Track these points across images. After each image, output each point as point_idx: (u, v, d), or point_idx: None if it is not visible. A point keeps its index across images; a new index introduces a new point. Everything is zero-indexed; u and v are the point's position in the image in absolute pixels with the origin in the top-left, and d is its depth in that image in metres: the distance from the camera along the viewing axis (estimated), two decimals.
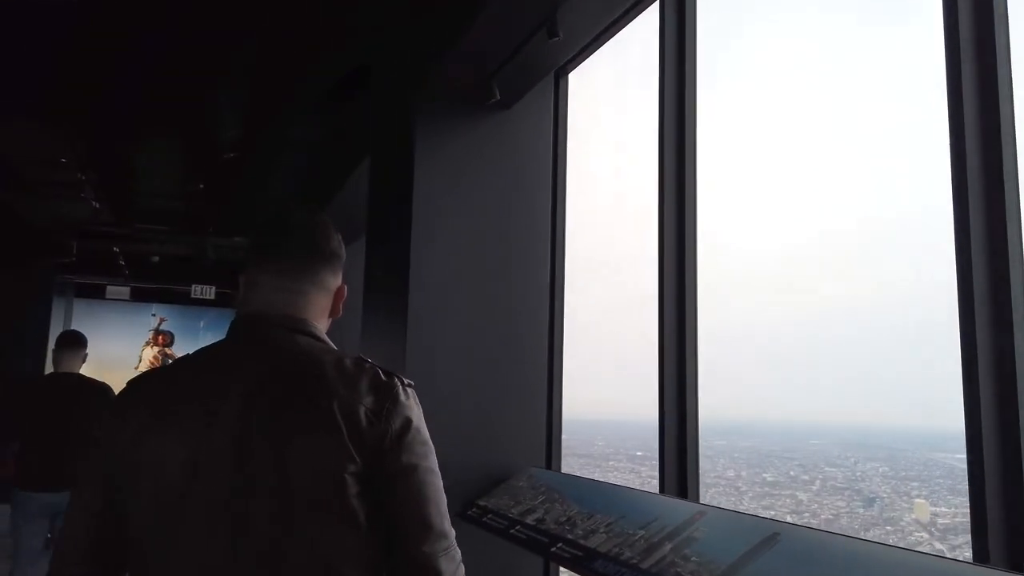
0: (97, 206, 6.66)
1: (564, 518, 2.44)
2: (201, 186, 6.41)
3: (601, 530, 2.19)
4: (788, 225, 2.94)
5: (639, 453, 3.51)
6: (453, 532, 1.04)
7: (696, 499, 2.49)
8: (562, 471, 3.38)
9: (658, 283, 2.71)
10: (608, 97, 4.02)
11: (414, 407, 1.05)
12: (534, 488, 2.94)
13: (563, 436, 3.54)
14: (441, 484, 1.05)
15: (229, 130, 4.52)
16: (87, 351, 3.93)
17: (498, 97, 3.28)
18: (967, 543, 2.43)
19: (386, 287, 3.93)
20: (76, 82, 4.33)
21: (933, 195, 2.24)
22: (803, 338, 2.91)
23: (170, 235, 8.46)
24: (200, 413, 0.99)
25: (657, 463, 3.04)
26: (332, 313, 1.17)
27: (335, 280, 1.17)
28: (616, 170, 3.98)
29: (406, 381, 1.07)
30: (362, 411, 0.99)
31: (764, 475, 3.07)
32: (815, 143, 2.84)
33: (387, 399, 1.02)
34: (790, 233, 2.94)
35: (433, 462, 1.05)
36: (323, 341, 1.11)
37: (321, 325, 1.14)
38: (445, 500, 1.05)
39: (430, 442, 1.06)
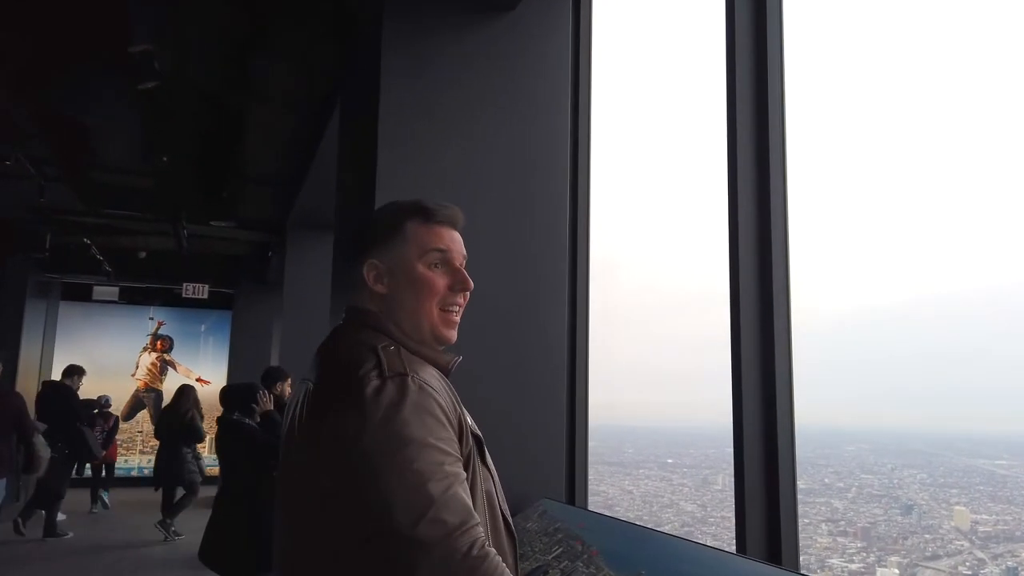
0: (43, 183, 6.32)
1: None
2: (165, 159, 6.04)
3: None
4: (840, 224, 2.76)
5: (670, 461, 3.58)
6: (428, 530, 0.94)
7: (795, 564, 1.87)
8: (589, 507, 2.87)
9: (729, 266, 2.17)
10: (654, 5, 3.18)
11: (374, 401, 1.01)
12: (548, 533, 2.28)
13: (590, 445, 3.48)
14: (413, 482, 0.97)
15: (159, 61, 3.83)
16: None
17: None
18: (1010, 551, 2.52)
19: (348, 273, 3.16)
20: None
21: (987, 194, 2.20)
22: (838, 341, 2.91)
23: (140, 221, 8.12)
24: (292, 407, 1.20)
25: (687, 471, 3.03)
26: (371, 289, 1.21)
27: (365, 255, 1.22)
28: (658, 114, 3.25)
29: (389, 373, 1.05)
30: (331, 415, 1.04)
31: (798, 483, 3.13)
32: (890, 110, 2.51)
33: (347, 396, 1.03)
34: (840, 232, 2.77)
35: (400, 459, 0.97)
36: (363, 328, 1.17)
37: (372, 305, 1.20)
38: (423, 495, 0.96)
39: (399, 434, 0.99)
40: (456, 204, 2.83)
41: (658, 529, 2.07)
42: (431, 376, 1.09)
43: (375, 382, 1.02)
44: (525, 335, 2.89)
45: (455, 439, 1.05)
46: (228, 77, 4.63)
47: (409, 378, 1.04)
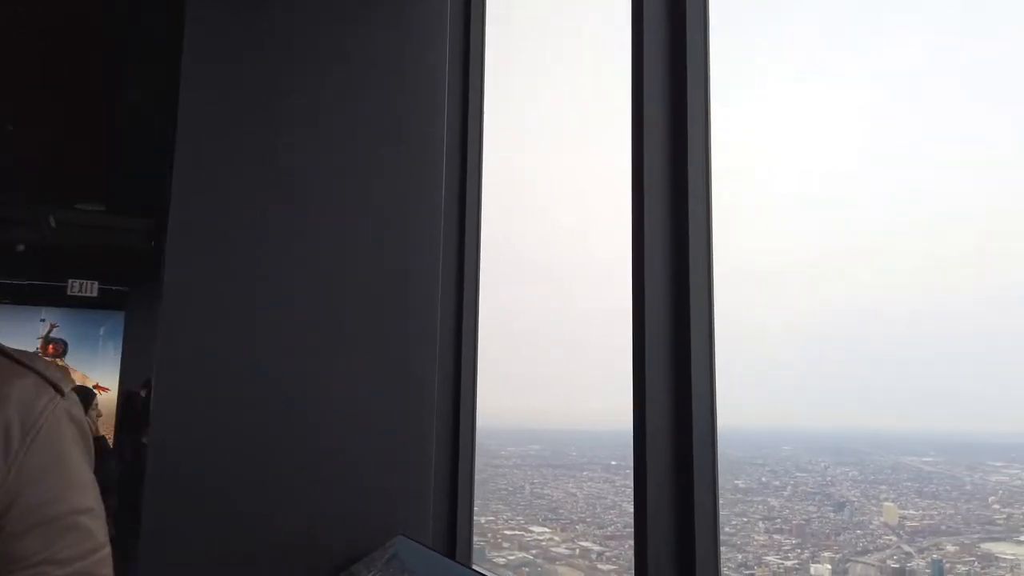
0: None
1: None
2: (10, 128, 5.33)
3: None
4: (780, 220, 2.72)
5: (613, 463, 3.69)
6: None
7: None
8: (474, 542, 2.49)
9: (633, 256, 1.98)
10: None
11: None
12: None
13: (536, 448, 3.45)
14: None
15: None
16: None
17: None
18: (935, 545, 2.74)
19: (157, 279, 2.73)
20: None
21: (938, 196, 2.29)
22: (776, 342, 3.04)
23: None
24: None
25: (631, 472, 3.07)
26: None
27: None
28: (563, 88, 3.10)
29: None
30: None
31: (736, 482, 3.28)
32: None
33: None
34: (780, 229, 2.74)
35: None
36: None
37: None
38: None
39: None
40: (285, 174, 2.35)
41: None
42: None
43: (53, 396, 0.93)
44: (382, 328, 2.46)
45: None
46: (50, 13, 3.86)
47: None
